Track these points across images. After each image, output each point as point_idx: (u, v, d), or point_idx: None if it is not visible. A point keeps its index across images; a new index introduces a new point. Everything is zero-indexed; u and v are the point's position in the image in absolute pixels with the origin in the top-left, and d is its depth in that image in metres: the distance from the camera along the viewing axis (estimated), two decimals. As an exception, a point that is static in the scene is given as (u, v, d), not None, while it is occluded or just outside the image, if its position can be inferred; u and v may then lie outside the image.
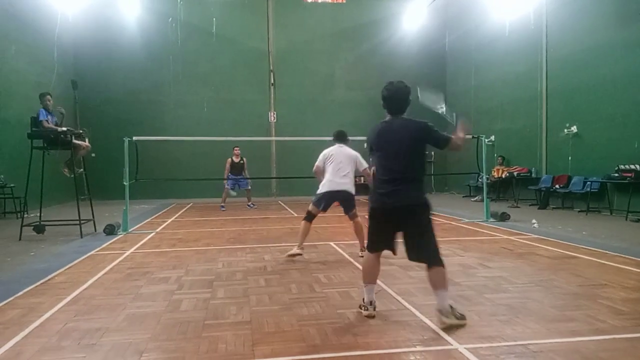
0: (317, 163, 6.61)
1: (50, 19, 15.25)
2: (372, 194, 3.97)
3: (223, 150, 14.58)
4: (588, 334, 3.46)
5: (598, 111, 11.76)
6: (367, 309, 3.89)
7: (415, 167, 3.82)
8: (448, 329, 3.55)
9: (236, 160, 13.69)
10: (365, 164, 6.46)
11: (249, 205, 13.83)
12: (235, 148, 13.79)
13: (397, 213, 3.75)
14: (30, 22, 14.15)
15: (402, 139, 3.82)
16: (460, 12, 18.68)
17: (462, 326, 3.59)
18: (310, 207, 6.47)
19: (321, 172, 6.57)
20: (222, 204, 13.49)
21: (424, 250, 3.75)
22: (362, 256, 5.91)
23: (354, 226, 6.53)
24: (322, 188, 6.41)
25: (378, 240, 3.93)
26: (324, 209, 6.44)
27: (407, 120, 3.98)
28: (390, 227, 3.83)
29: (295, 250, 6.38)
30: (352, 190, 6.41)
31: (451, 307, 3.68)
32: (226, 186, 13.55)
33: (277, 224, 10.42)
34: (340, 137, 6.66)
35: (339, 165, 6.38)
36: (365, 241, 4.22)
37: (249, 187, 13.91)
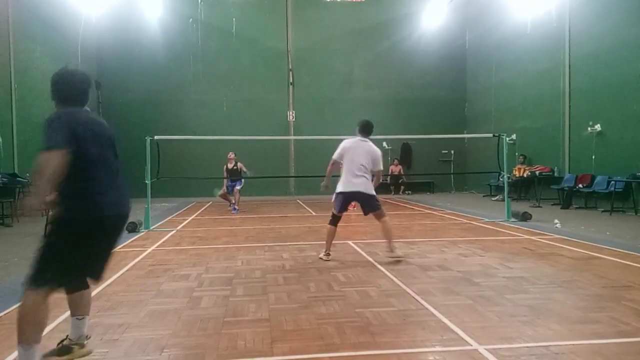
0: (334, 156, 6.21)
1: (75, 21, 15.57)
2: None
3: (242, 149, 14.70)
4: (611, 336, 3.40)
5: (622, 109, 11.51)
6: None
7: None
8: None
9: (230, 166, 12.77)
10: (381, 165, 6.23)
11: (232, 207, 12.76)
12: (230, 153, 12.91)
13: None
14: (55, 25, 14.47)
15: None
16: (480, 10, 18.45)
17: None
18: (333, 209, 6.25)
19: (336, 167, 6.22)
20: (235, 206, 12.79)
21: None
22: (398, 259, 5.91)
23: (382, 227, 6.11)
24: (337, 187, 6.14)
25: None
26: (341, 211, 6.18)
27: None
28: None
29: (321, 255, 6.24)
30: (370, 190, 6.03)
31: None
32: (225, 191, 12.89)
33: (295, 222, 10.45)
34: (365, 130, 6.21)
35: (356, 162, 5.98)
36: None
37: (238, 188, 12.81)
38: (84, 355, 3.03)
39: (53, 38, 14.29)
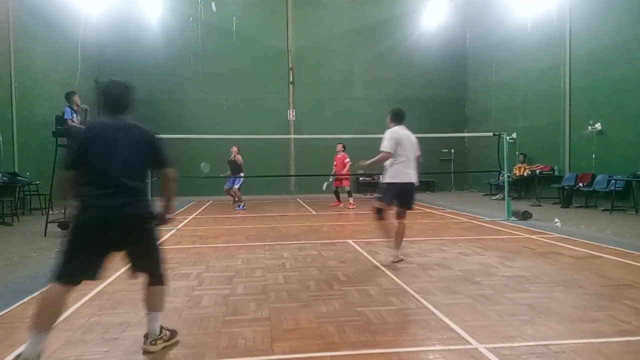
0: (388, 146, 5.67)
1: (75, 20, 15.55)
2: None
3: (243, 148, 14.69)
4: (611, 335, 3.40)
5: (623, 108, 11.50)
6: None
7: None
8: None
9: (231, 158, 13.43)
10: (419, 151, 5.98)
11: (236, 206, 13.26)
12: (232, 147, 13.57)
13: None
14: (56, 24, 14.46)
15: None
16: (481, 9, 18.44)
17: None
18: (377, 203, 5.83)
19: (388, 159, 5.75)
20: (240, 203, 13.20)
21: None
22: (398, 260, 5.77)
23: (399, 227, 5.84)
24: (392, 178, 5.69)
25: None
26: (391, 204, 5.77)
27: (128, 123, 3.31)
28: None
29: (395, 253, 5.85)
30: (416, 183, 5.85)
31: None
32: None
33: (295, 221, 10.45)
34: (402, 117, 5.95)
35: (409, 152, 5.74)
36: None
37: (236, 187, 13.27)
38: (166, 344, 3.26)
39: (53, 37, 14.28)
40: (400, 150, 5.70)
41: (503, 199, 11.07)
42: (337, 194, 13.48)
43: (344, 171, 13.20)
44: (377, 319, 3.79)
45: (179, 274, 5.43)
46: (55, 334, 3.53)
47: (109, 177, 3.02)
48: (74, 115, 8.68)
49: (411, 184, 5.77)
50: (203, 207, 13.86)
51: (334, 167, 13.52)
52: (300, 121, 18.81)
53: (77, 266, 3.00)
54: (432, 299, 4.30)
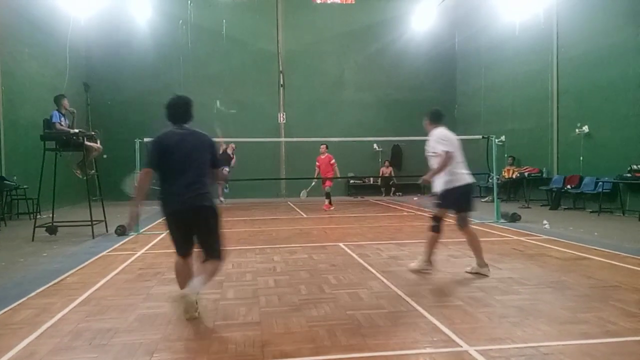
0: (446, 148, 5.21)
1: (63, 22, 15.42)
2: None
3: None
4: (599, 336, 3.44)
5: (610, 111, 11.64)
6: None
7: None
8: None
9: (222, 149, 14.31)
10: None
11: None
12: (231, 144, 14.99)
13: None
14: (43, 26, 14.33)
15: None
16: (469, 12, 18.58)
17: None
18: (436, 211, 5.42)
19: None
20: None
21: None
22: (481, 272, 5.28)
23: (470, 237, 5.41)
24: (452, 182, 5.23)
25: None
26: (451, 210, 5.41)
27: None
28: None
29: (419, 264, 5.52)
30: None
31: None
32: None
33: (286, 224, 10.43)
34: (442, 117, 5.64)
35: (459, 153, 5.38)
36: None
37: (226, 169, 14.19)
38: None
39: (41, 40, 14.15)
40: (454, 151, 5.29)
41: (492, 201, 11.14)
42: (328, 195, 13.41)
43: (330, 172, 13.14)
44: (367, 322, 3.79)
45: (169, 279, 5.39)
46: (43, 341, 3.50)
47: (184, 176, 3.87)
48: (62, 118, 8.61)
49: (470, 185, 5.43)
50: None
51: (317, 169, 13.40)
52: (291, 124, 18.80)
53: (178, 245, 4.07)
54: (423, 302, 4.32)
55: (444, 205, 5.39)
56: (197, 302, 3.81)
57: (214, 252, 3.97)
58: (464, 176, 5.35)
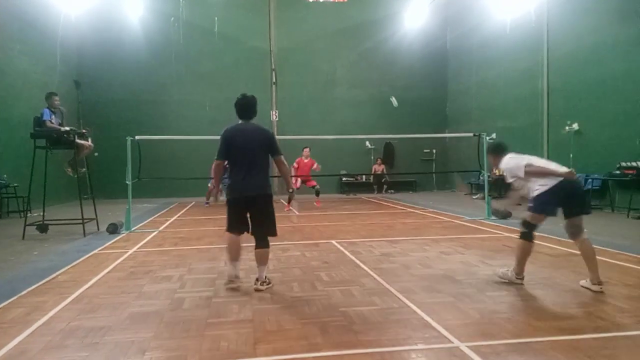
0: (523, 166, 4.70)
1: (54, 19, 15.29)
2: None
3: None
4: (590, 332, 3.47)
5: (600, 108, 11.74)
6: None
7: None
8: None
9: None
10: None
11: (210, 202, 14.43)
12: None
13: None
14: (34, 23, 14.19)
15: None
16: (461, 10, 18.66)
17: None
18: (529, 217, 4.72)
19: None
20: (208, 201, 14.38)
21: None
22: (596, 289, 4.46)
23: (584, 248, 4.64)
24: (544, 184, 4.58)
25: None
26: (553, 213, 4.71)
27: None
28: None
29: (510, 274, 4.82)
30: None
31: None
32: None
33: (278, 222, 10.30)
34: (504, 149, 5.26)
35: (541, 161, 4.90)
36: None
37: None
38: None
39: (32, 36, 14.01)
40: (536, 162, 4.80)
41: (483, 198, 11.20)
42: (317, 193, 13.32)
43: (309, 176, 13.00)
44: (360, 319, 3.81)
45: (161, 277, 5.39)
46: (34, 339, 3.48)
47: (242, 166, 4.58)
48: (52, 116, 8.54)
49: (576, 182, 4.79)
50: (185, 209, 13.74)
51: (293, 170, 12.74)
52: (284, 122, 18.78)
53: (234, 224, 4.79)
54: (414, 298, 4.34)
55: (539, 209, 4.70)
56: (268, 281, 4.74)
57: (264, 236, 4.67)
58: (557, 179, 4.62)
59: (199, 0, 18.61)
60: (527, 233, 4.72)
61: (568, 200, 4.60)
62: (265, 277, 4.74)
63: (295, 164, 13.06)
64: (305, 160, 13.10)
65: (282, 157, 4.74)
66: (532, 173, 4.67)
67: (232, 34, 18.67)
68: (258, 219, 4.68)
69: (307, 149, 13.17)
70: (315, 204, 13.18)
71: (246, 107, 4.72)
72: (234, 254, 4.85)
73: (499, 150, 5.21)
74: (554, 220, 4.92)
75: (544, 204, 4.61)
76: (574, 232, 4.71)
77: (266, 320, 3.83)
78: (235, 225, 4.78)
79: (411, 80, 19.58)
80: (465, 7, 18.20)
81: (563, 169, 4.68)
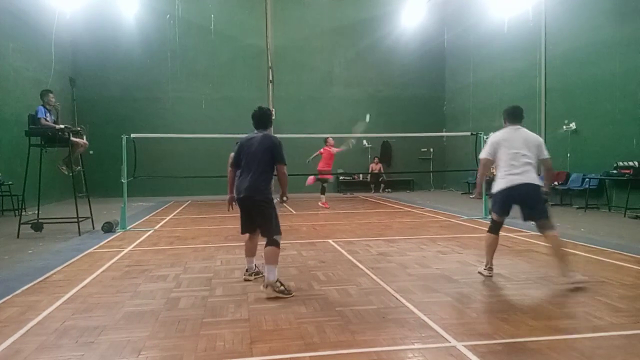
0: (484, 152, 5.13)
1: (48, 16, 15.18)
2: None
3: (221, 148, 14.55)
4: (586, 331, 3.47)
5: (597, 108, 11.76)
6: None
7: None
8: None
9: None
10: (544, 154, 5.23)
11: None
12: None
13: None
14: (28, 20, 14.10)
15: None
16: (458, 9, 18.65)
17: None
18: (493, 214, 5.14)
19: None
20: None
21: None
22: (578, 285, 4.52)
23: (552, 242, 4.77)
24: (497, 186, 4.98)
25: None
26: (503, 214, 5.02)
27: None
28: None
29: (481, 269, 5.15)
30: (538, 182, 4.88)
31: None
32: None
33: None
34: (517, 116, 5.49)
35: (514, 156, 5.01)
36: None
37: None
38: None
39: (26, 33, 13.92)
40: (502, 154, 4.98)
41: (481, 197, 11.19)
42: (323, 189, 13.01)
43: (329, 167, 12.69)
44: (356, 319, 3.79)
45: (156, 276, 5.36)
46: (29, 339, 3.46)
47: (248, 172, 4.78)
48: (48, 114, 8.49)
49: (525, 185, 4.79)
50: (181, 208, 13.70)
51: (319, 154, 12.52)
52: (280, 120, 18.68)
53: (241, 224, 5.04)
54: (411, 298, 4.33)
55: (493, 209, 5.12)
56: (280, 283, 4.51)
57: (270, 239, 4.70)
58: (513, 178, 4.90)
59: (194, -2, 18.53)
60: (491, 227, 5.15)
61: (519, 203, 4.93)
62: (278, 280, 4.52)
63: (322, 150, 12.58)
64: (332, 151, 12.48)
65: (285, 167, 4.84)
66: (480, 166, 5.24)
67: (228, 31, 18.60)
68: (258, 220, 4.85)
69: (332, 141, 12.57)
70: (320, 204, 12.88)
71: (259, 118, 5.01)
72: (246, 251, 5.19)
73: (507, 116, 5.53)
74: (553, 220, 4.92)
75: (494, 204, 5.12)
76: (539, 227, 4.93)
77: (262, 319, 3.81)
78: (242, 225, 5.05)
79: (408, 79, 19.57)
80: (463, 6, 18.19)
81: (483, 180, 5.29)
